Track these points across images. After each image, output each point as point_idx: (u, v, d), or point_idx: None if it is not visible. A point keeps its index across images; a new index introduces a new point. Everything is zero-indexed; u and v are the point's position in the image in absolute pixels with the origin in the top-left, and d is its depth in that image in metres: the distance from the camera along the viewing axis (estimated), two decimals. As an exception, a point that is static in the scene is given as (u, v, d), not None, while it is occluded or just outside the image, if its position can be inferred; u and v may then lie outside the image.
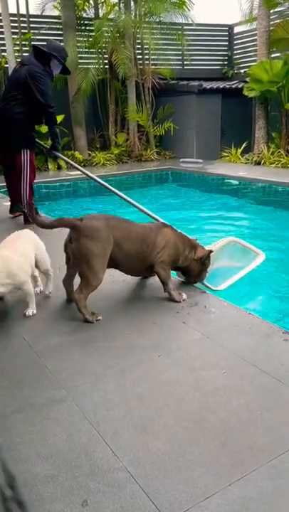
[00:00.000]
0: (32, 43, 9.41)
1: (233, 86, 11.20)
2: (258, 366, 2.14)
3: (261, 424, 1.76)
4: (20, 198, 4.88)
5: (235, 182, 8.48)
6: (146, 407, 1.87)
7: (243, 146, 10.32)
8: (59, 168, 9.89)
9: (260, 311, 3.36)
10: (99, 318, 2.63)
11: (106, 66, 10.75)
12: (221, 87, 11.14)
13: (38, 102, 4.53)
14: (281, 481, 1.49)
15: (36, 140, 4.88)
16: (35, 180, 5.00)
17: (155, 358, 2.24)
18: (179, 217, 6.35)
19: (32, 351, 2.34)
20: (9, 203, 5.35)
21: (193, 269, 3.06)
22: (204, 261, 3.06)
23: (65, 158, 5.05)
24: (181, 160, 10.51)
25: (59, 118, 9.85)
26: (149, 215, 3.74)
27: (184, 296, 2.91)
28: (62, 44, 5.28)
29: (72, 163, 4.88)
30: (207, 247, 3.31)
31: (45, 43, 4.87)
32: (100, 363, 2.20)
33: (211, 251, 3.08)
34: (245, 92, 10.02)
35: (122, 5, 10.87)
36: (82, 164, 10.01)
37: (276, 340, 2.38)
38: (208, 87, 10.90)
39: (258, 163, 9.69)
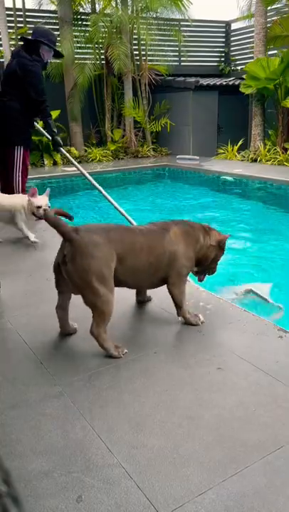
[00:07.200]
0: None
1: (230, 83, 11.19)
2: (252, 363, 2.15)
3: (255, 420, 1.77)
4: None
5: (231, 179, 8.49)
6: (141, 404, 1.87)
7: (240, 143, 10.32)
8: (55, 164, 9.85)
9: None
10: (125, 351, 2.25)
11: (102, 61, 10.71)
12: (218, 83, 11.13)
13: (30, 96, 4.54)
14: (275, 477, 1.50)
15: (48, 136, 4.88)
16: (29, 177, 5.00)
17: (150, 355, 2.25)
18: (174, 214, 6.34)
19: (27, 347, 2.34)
20: None
21: (209, 256, 2.64)
22: (223, 246, 2.67)
23: (70, 156, 5.04)
24: (177, 157, 10.49)
25: (55, 113, 9.85)
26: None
27: (202, 318, 2.58)
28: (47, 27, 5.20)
29: (76, 164, 4.86)
30: None
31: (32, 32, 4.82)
32: (96, 360, 2.21)
33: (229, 235, 2.72)
34: (242, 89, 10.00)
35: (118, 0, 10.82)
36: (78, 160, 9.98)
37: (271, 337, 2.39)
38: (204, 83, 10.89)
39: (254, 161, 9.70)
